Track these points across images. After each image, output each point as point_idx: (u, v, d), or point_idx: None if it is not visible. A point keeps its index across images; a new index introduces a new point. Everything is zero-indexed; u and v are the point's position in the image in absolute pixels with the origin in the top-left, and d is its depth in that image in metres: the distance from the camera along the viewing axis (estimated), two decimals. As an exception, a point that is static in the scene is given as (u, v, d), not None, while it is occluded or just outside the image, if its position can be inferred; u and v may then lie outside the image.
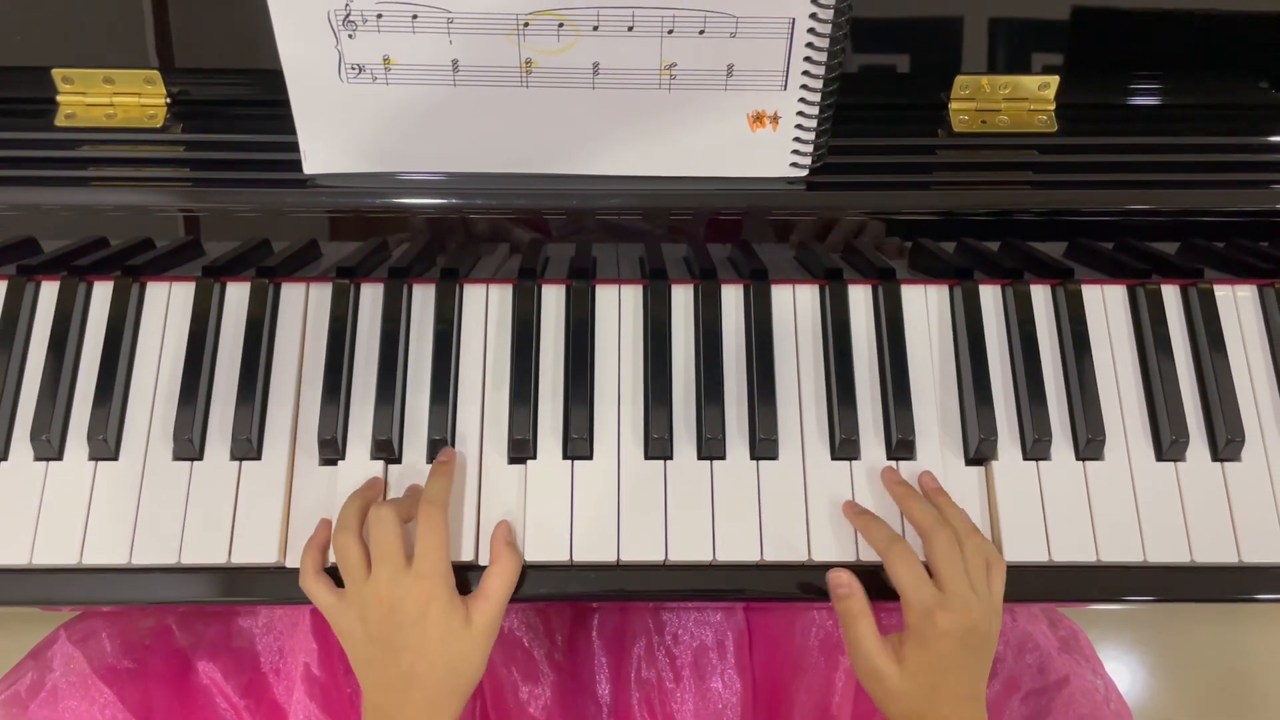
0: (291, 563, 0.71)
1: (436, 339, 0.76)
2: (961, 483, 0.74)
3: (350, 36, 0.66)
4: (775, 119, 0.70)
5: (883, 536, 0.69)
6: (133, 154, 0.74)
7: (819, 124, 0.70)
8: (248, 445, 0.73)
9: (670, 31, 0.66)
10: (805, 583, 0.73)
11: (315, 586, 0.69)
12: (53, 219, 0.74)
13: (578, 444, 0.74)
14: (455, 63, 0.67)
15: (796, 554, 0.72)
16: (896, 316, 0.78)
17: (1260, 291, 0.80)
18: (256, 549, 0.71)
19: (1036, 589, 0.73)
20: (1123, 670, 1.39)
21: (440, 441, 0.74)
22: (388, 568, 0.66)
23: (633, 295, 0.79)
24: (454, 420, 0.75)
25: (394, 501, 0.69)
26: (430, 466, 0.73)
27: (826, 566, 0.72)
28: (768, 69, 0.68)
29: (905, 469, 0.74)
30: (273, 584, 0.72)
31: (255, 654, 0.85)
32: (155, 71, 0.74)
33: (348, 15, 0.65)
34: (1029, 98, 0.77)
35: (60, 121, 0.75)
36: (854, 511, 0.72)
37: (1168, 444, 0.75)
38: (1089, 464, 0.75)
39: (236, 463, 0.73)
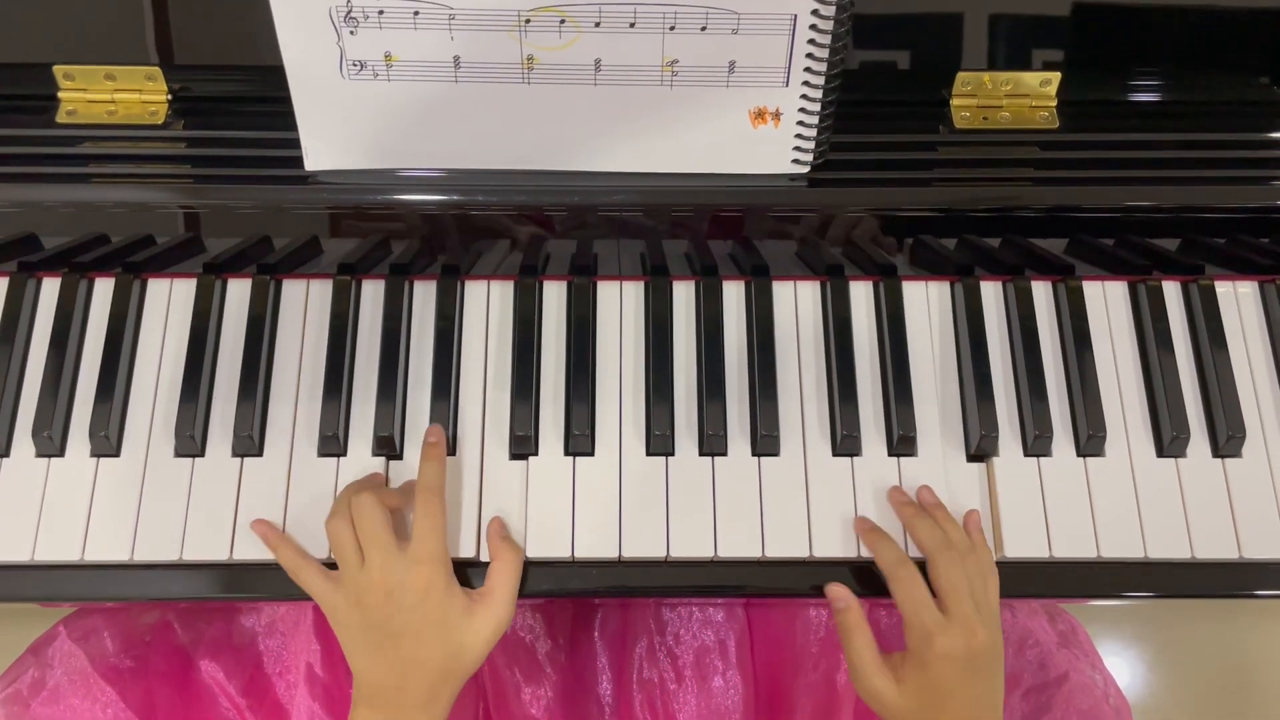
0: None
1: (438, 335, 0.76)
2: (962, 479, 0.75)
3: (352, 33, 0.65)
4: (777, 115, 0.70)
5: (890, 559, 0.69)
6: (134, 150, 0.74)
7: (821, 120, 0.70)
8: (249, 442, 0.73)
9: (672, 28, 0.66)
10: (807, 579, 0.73)
11: (307, 574, 0.69)
12: (54, 216, 0.74)
13: (579, 440, 0.74)
14: (457, 59, 0.67)
15: (798, 550, 0.72)
16: (898, 312, 0.78)
17: (1261, 287, 0.80)
18: (258, 545, 0.71)
19: (1037, 585, 0.74)
20: (1122, 666, 1.40)
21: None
22: (379, 553, 0.66)
23: (634, 291, 0.79)
24: (455, 417, 0.75)
25: (378, 489, 0.69)
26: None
27: (828, 563, 0.72)
28: (769, 65, 0.68)
29: (906, 465, 0.74)
30: (275, 580, 0.71)
31: (257, 653, 0.85)
32: (156, 68, 0.74)
33: (349, 11, 0.65)
34: (1030, 94, 0.77)
35: (61, 118, 0.75)
36: (865, 529, 0.72)
37: (1169, 440, 0.75)
38: (1090, 460, 0.75)
39: (238, 459, 0.73)
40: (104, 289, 0.77)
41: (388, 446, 0.74)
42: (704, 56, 0.67)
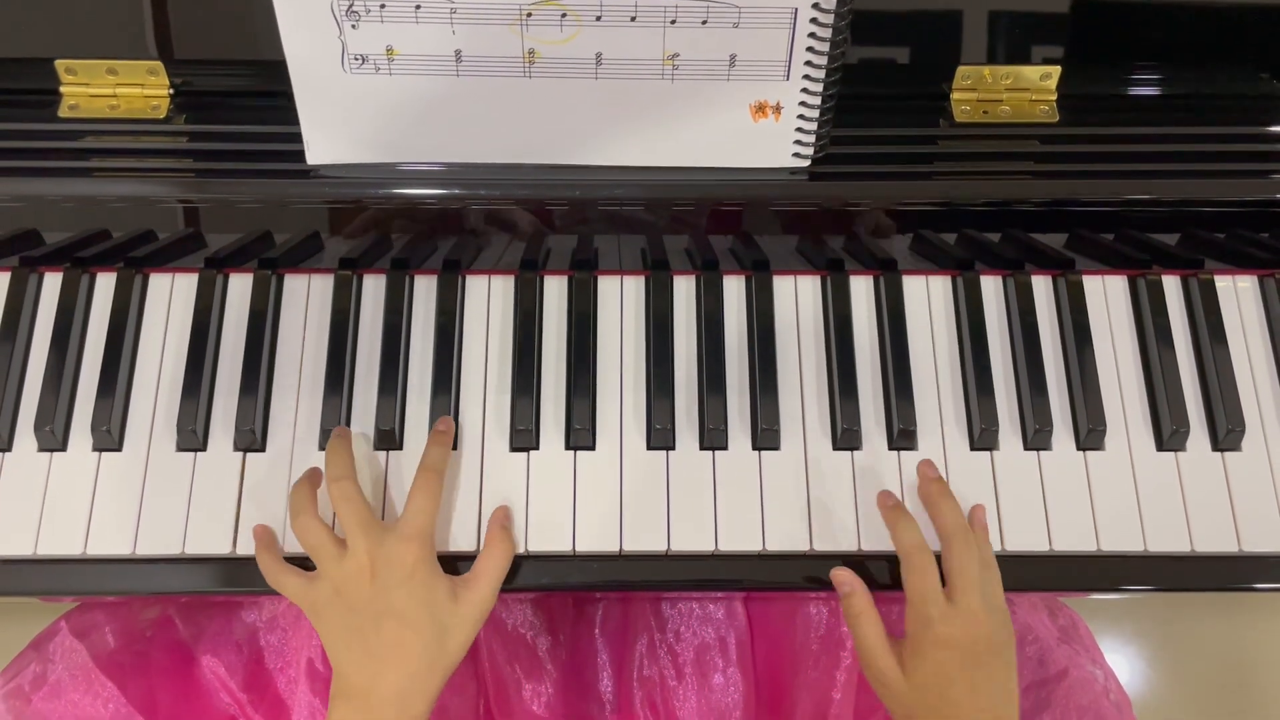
0: (295, 551, 0.71)
1: (439, 330, 0.76)
2: (963, 473, 0.74)
3: (353, 27, 0.66)
4: (778, 109, 0.70)
5: (909, 542, 0.68)
6: (136, 145, 0.74)
7: (821, 114, 0.70)
8: (251, 436, 0.73)
9: (673, 22, 0.66)
10: (807, 572, 0.73)
11: (284, 577, 0.68)
12: (56, 210, 0.74)
13: (580, 434, 0.74)
14: (458, 53, 0.67)
15: (798, 544, 0.72)
16: (898, 307, 0.78)
17: (1261, 282, 0.80)
18: (260, 539, 0.71)
19: (1037, 578, 0.74)
20: (1122, 662, 1.40)
21: (443, 432, 0.74)
22: (366, 537, 0.65)
23: (635, 286, 0.79)
24: (457, 411, 0.75)
25: (349, 477, 0.69)
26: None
27: (828, 556, 0.72)
28: (770, 59, 0.68)
29: (906, 459, 0.74)
30: (277, 574, 0.72)
31: (259, 649, 0.85)
32: (158, 62, 0.74)
33: (351, 6, 0.65)
34: (1030, 88, 0.77)
35: (63, 112, 0.75)
36: (888, 505, 0.71)
37: (1168, 434, 0.75)
38: (1090, 454, 0.75)
39: (240, 454, 0.73)
40: (106, 284, 0.78)
41: (389, 440, 0.74)
42: (705, 50, 0.67)
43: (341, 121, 0.70)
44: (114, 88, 0.75)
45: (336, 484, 0.68)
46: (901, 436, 0.74)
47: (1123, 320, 0.79)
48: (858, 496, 0.73)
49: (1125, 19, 0.74)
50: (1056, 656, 0.85)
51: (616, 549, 0.72)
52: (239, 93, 0.76)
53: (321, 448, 0.74)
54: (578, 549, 0.72)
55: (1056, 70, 0.76)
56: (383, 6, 0.65)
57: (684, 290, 0.79)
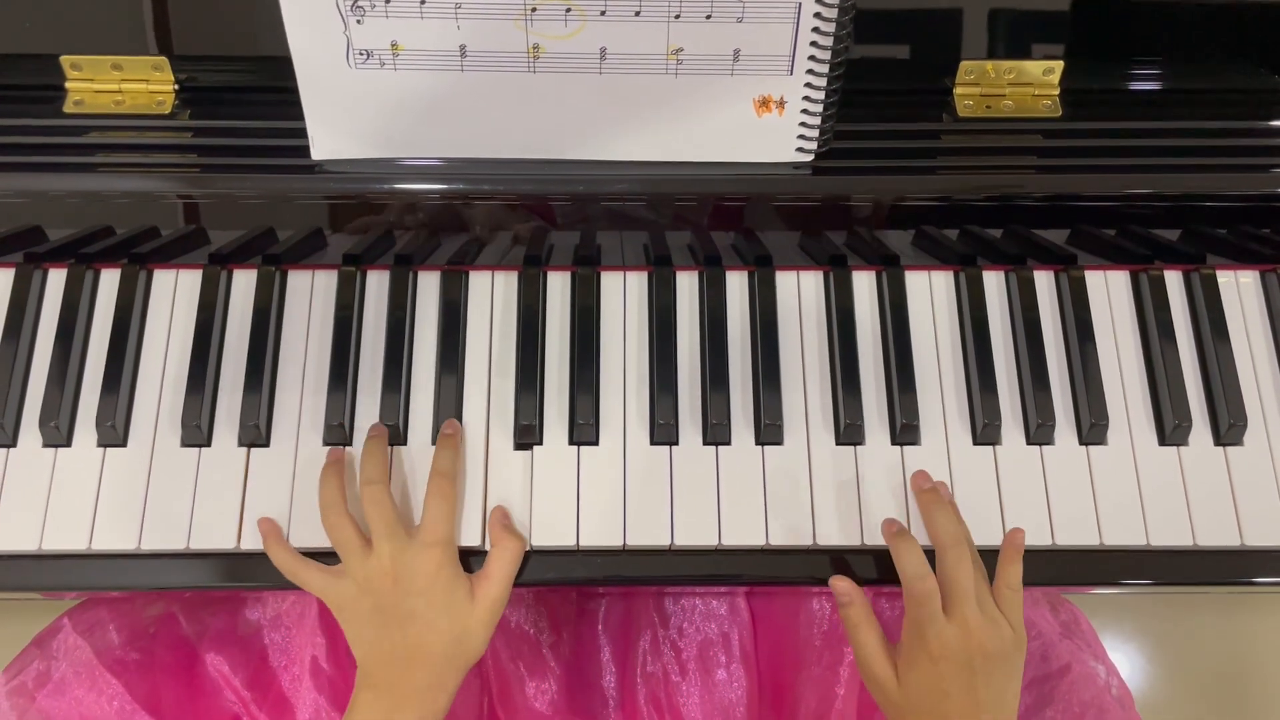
0: (300, 545, 0.71)
1: (442, 325, 0.76)
2: (965, 468, 0.75)
3: (358, 22, 0.66)
4: (781, 104, 0.70)
5: (912, 572, 0.67)
6: (141, 140, 0.74)
7: (825, 109, 0.70)
8: (255, 431, 0.73)
9: (677, 16, 0.66)
10: (810, 567, 0.73)
11: (305, 573, 0.69)
12: (61, 205, 0.74)
13: (583, 430, 0.74)
14: (463, 48, 0.67)
15: (801, 539, 0.72)
16: (900, 302, 0.78)
17: (1262, 277, 0.80)
18: (265, 534, 0.71)
19: (1040, 573, 0.73)
20: (1123, 659, 1.40)
21: (447, 427, 0.74)
22: (391, 543, 0.67)
23: (638, 281, 0.79)
24: (460, 407, 0.75)
25: (382, 481, 0.70)
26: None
27: (831, 551, 0.72)
28: (774, 54, 0.68)
29: (910, 454, 0.75)
30: (281, 569, 0.72)
31: (263, 646, 0.85)
32: (163, 58, 0.74)
33: (356, 1, 0.65)
34: (1033, 83, 0.77)
35: (68, 108, 0.75)
36: (892, 532, 0.71)
37: (1170, 428, 0.75)
38: (1092, 448, 0.75)
39: (244, 449, 0.73)
40: (110, 280, 0.78)
41: (393, 435, 0.74)
42: (709, 45, 0.67)
43: (346, 117, 0.70)
44: (119, 83, 0.75)
45: (369, 487, 0.69)
46: (904, 432, 0.74)
47: (1125, 315, 0.79)
48: (861, 491, 0.73)
49: (1127, 14, 0.75)
50: (1059, 652, 0.85)
51: (620, 544, 0.72)
52: (244, 88, 0.76)
53: (325, 443, 0.74)
54: (581, 544, 0.72)
55: (1059, 65, 0.76)
56: (388, 2, 0.65)
57: (687, 286, 0.79)
